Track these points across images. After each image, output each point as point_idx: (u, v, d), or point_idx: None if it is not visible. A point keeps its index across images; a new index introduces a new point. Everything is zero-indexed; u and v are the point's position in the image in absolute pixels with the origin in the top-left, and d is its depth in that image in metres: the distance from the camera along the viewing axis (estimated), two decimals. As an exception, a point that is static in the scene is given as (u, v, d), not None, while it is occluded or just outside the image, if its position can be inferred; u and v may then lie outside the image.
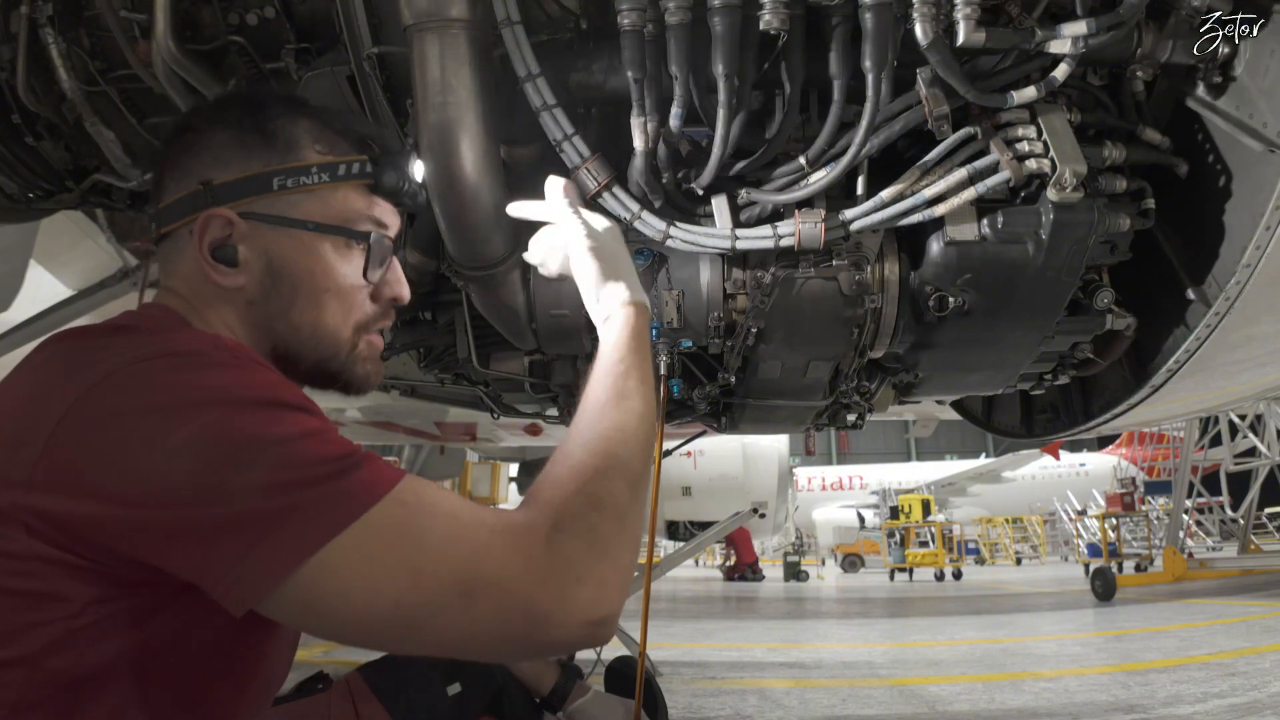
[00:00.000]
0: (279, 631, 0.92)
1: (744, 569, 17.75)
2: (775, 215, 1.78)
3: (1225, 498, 15.23)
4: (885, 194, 1.70)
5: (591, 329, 2.02)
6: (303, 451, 0.74)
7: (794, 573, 17.75)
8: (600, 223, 1.14)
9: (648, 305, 1.08)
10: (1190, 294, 1.91)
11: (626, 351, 1.01)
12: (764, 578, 17.69)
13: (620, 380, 0.96)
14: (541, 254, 1.18)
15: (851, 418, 2.60)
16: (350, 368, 1.02)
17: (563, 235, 1.14)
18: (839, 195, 1.82)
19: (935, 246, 1.77)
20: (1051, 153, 1.63)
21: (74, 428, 0.74)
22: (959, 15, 1.49)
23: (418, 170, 1.10)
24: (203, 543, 0.71)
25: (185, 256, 0.96)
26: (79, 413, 0.74)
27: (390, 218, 1.05)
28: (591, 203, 1.76)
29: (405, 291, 1.07)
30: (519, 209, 1.21)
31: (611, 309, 1.06)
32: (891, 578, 18.46)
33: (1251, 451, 13.87)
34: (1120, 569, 12.42)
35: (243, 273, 0.95)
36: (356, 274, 1.00)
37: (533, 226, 1.20)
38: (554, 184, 1.19)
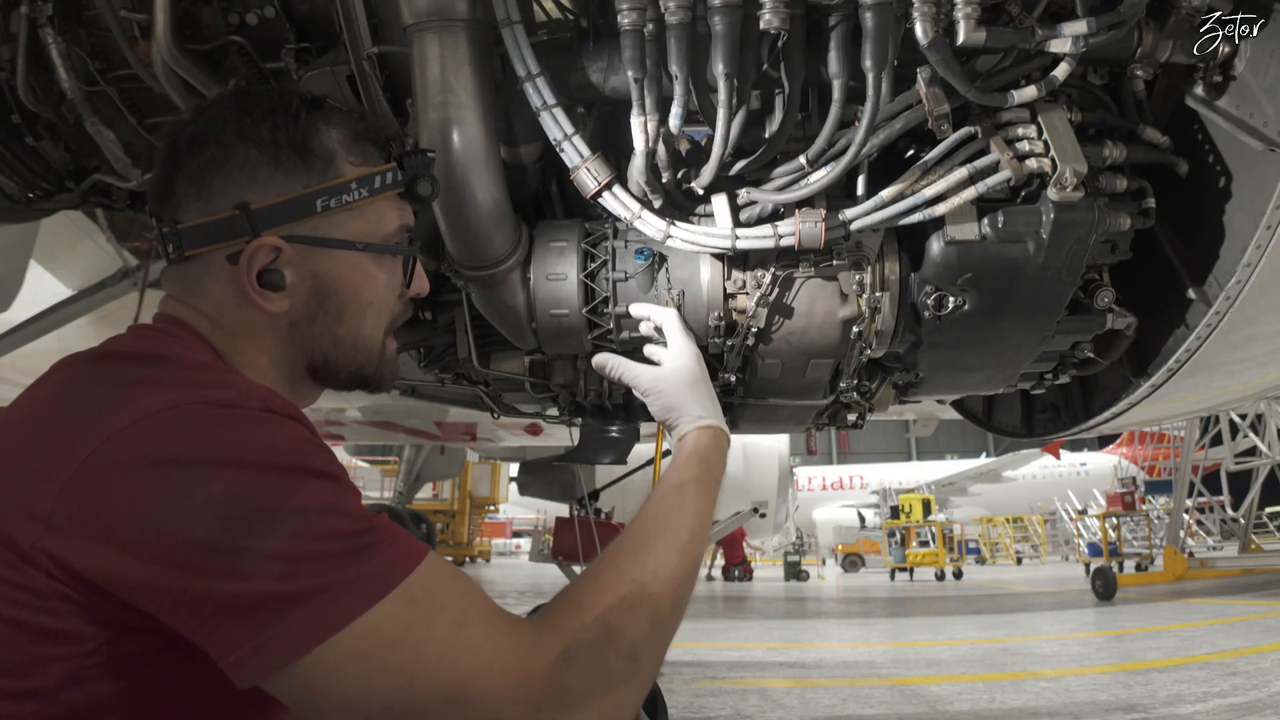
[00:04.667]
0: None
1: (731, 568, 18.04)
2: (775, 215, 1.78)
3: (1226, 497, 15.23)
4: (885, 193, 1.69)
5: (591, 328, 2.03)
6: (321, 526, 0.74)
7: (794, 572, 17.78)
8: (690, 348, 1.20)
9: (725, 431, 1.11)
10: (1191, 293, 1.91)
11: (689, 477, 1.02)
12: (752, 578, 17.91)
13: (673, 510, 0.97)
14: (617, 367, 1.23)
15: (852, 417, 2.59)
16: (382, 369, 1.05)
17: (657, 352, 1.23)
18: (839, 195, 1.81)
19: (935, 246, 1.77)
20: (1052, 152, 1.62)
21: (98, 471, 0.73)
22: (959, 14, 1.48)
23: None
24: (210, 617, 0.71)
25: (217, 279, 0.93)
26: (106, 454, 0.73)
27: (410, 216, 1.06)
28: (592, 202, 1.76)
29: (426, 285, 1.09)
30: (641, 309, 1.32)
31: (686, 429, 1.10)
32: (892, 577, 18.47)
33: (1252, 451, 13.87)
34: (1121, 568, 12.44)
35: (288, 296, 0.94)
36: (395, 283, 1.02)
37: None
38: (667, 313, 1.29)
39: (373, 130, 1.02)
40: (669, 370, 1.16)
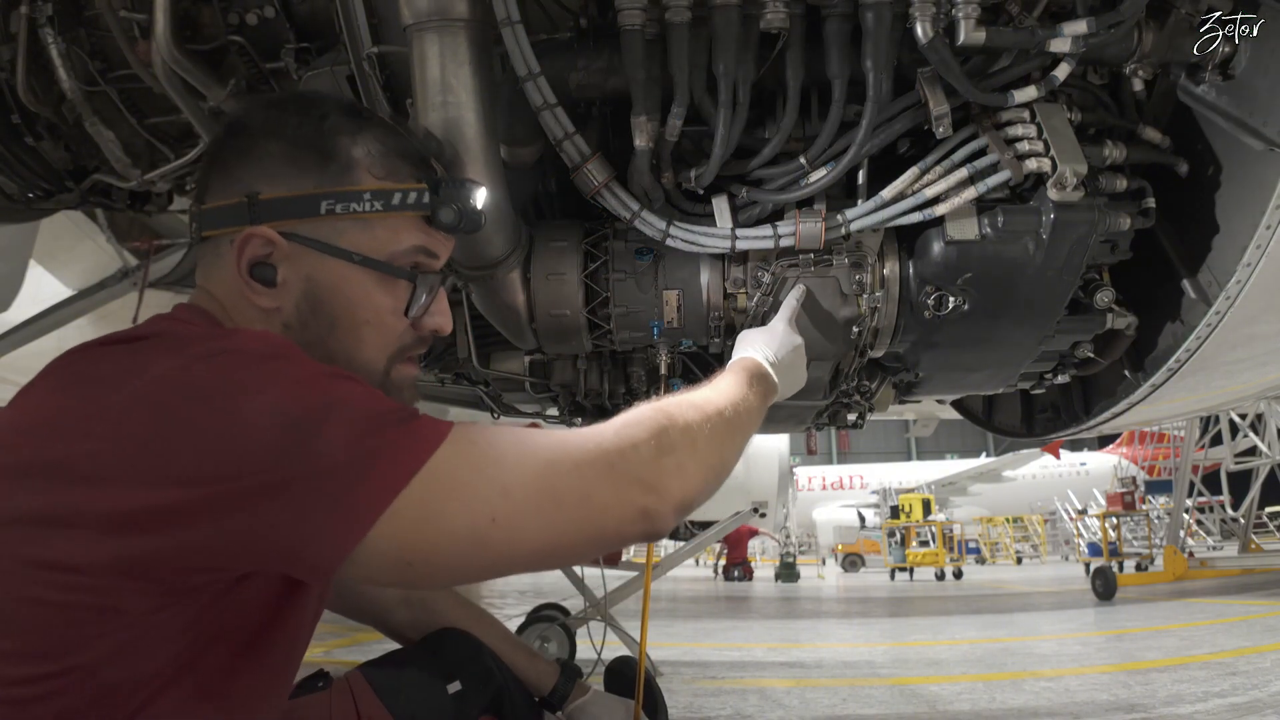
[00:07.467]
0: (302, 620, 0.95)
1: (731, 568, 18.02)
2: (775, 215, 1.78)
3: (1226, 497, 15.20)
4: (885, 193, 1.69)
5: (591, 328, 2.04)
6: (369, 406, 0.79)
7: (788, 575, 17.70)
8: (791, 339, 1.45)
9: (766, 370, 1.28)
10: (1191, 293, 1.91)
11: (723, 382, 1.14)
12: (752, 578, 17.90)
13: (704, 393, 1.08)
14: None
15: (852, 417, 2.60)
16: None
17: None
18: (839, 195, 1.82)
19: (935, 246, 1.77)
20: (1052, 152, 1.63)
21: (146, 417, 0.74)
22: (959, 14, 1.48)
23: (480, 197, 1.05)
24: (294, 500, 0.73)
25: (225, 264, 0.94)
26: (149, 402, 0.74)
27: (442, 246, 1.02)
28: (593, 202, 1.77)
29: (447, 323, 1.06)
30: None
31: (736, 357, 1.33)
32: (892, 577, 18.44)
33: (1252, 450, 13.83)
34: (1121, 568, 12.41)
35: (280, 295, 0.93)
36: (398, 307, 0.98)
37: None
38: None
39: (410, 149, 1.00)
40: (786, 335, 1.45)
